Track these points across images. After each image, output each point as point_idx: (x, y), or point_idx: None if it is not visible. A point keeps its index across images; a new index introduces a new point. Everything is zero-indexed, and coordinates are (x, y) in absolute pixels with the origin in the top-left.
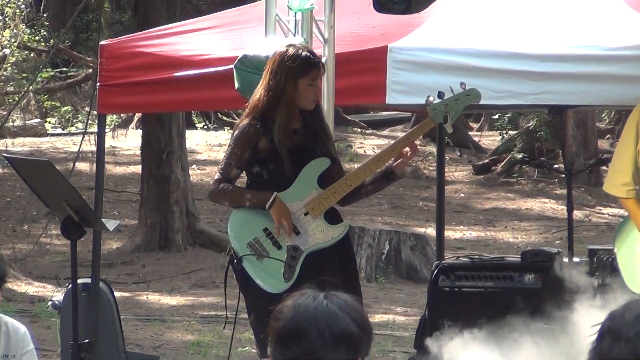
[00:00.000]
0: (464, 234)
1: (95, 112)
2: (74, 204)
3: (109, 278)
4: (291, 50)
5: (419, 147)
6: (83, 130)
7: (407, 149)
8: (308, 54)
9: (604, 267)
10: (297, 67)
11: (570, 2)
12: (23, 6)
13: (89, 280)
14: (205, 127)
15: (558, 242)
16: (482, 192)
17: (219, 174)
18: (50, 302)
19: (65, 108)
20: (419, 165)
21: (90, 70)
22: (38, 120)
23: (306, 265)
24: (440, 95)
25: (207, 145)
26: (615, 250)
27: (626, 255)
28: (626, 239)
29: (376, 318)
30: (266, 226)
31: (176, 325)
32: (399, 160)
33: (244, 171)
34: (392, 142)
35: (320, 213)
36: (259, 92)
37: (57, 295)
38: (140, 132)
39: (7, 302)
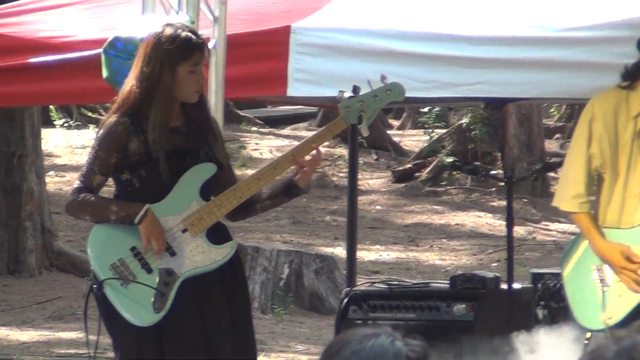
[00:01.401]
0: (380, 255)
1: None
2: None
3: None
4: (168, 31)
5: (326, 149)
6: None
7: (308, 157)
8: (189, 34)
9: (551, 295)
10: (175, 51)
11: None
12: None
13: None
14: (66, 125)
15: (495, 264)
16: (403, 204)
17: (78, 182)
18: None
19: None
20: (326, 172)
21: None
22: None
23: (182, 293)
24: (355, 90)
25: (68, 147)
26: (563, 275)
27: (575, 282)
28: (576, 262)
29: (272, 357)
30: (134, 245)
31: None
32: (301, 172)
33: (110, 179)
34: (295, 144)
35: (202, 230)
36: (130, 82)
37: None
38: None
39: None
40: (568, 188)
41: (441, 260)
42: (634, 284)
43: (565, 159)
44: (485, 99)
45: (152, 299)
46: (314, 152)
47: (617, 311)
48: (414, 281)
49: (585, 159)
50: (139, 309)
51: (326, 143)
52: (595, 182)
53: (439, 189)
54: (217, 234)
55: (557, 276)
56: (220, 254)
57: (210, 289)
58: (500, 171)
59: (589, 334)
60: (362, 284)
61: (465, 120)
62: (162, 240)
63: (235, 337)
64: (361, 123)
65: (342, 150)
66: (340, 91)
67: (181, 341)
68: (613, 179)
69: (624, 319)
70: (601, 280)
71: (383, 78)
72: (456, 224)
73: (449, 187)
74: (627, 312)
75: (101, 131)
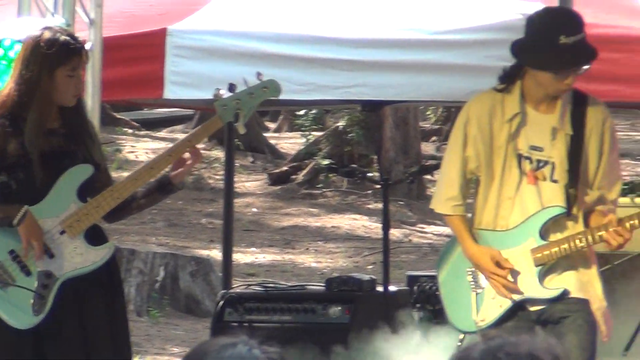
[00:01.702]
0: (256, 258)
1: None
2: None
3: None
4: (47, 34)
5: (202, 151)
6: None
7: (188, 154)
8: (68, 38)
9: (427, 298)
10: (54, 55)
11: None
12: None
13: None
14: None
15: (371, 267)
16: (280, 207)
17: None
18: None
19: None
20: (202, 174)
21: None
22: None
23: (62, 295)
24: (231, 88)
25: None
26: (438, 278)
27: (450, 285)
28: (451, 265)
29: None
30: (13, 247)
31: None
32: (178, 169)
33: None
34: (170, 145)
35: (80, 232)
36: (8, 85)
37: None
38: None
39: None
40: (443, 190)
41: (317, 262)
42: (503, 289)
43: (442, 162)
44: (361, 102)
45: (31, 302)
46: (193, 149)
47: (490, 313)
48: (290, 284)
49: (461, 161)
50: (18, 312)
51: (202, 145)
52: (472, 185)
53: (315, 192)
54: (95, 236)
55: (433, 278)
56: (99, 255)
57: (88, 291)
58: (377, 174)
59: (462, 336)
60: (238, 286)
61: (341, 123)
62: (41, 242)
63: (113, 339)
64: (238, 121)
65: (219, 153)
66: (216, 89)
67: (60, 343)
68: (489, 182)
69: (496, 321)
70: (475, 283)
71: (259, 75)
72: (332, 227)
73: (325, 190)
74: (500, 314)
75: None
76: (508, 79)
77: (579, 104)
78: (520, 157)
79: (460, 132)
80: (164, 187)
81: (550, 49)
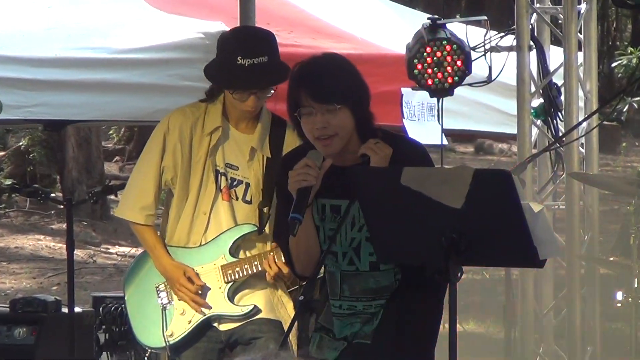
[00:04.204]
0: None
1: None
2: None
3: None
4: None
5: None
6: None
7: None
8: None
9: (112, 319)
10: None
11: None
12: None
13: None
14: None
15: (55, 287)
16: None
17: None
18: None
19: None
20: None
21: None
22: None
23: None
24: None
25: None
26: (125, 295)
27: (138, 302)
28: (139, 281)
29: None
30: None
31: None
32: None
33: None
34: None
35: None
36: None
37: None
38: None
39: None
40: (135, 198)
41: (1, 283)
42: (192, 303)
43: (134, 170)
44: (43, 121)
45: None
46: None
47: (178, 328)
48: None
49: (157, 170)
50: None
51: None
52: (163, 197)
53: None
54: None
55: (118, 299)
56: None
57: None
58: (60, 194)
59: (148, 352)
60: None
61: (23, 143)
62: None
63: None
64: None
65: None
66: None
67: None
68: (183, 196)
69: (185, 337)
70: (163, 298)
71: None
72: (15, 247)
73: (8, 210)
74: (189, 330)
75: None
76: (210, 92)
77: (277, 128)
78: (217, 173)
79: (159, 141)
80: None
81: (228, 68)
